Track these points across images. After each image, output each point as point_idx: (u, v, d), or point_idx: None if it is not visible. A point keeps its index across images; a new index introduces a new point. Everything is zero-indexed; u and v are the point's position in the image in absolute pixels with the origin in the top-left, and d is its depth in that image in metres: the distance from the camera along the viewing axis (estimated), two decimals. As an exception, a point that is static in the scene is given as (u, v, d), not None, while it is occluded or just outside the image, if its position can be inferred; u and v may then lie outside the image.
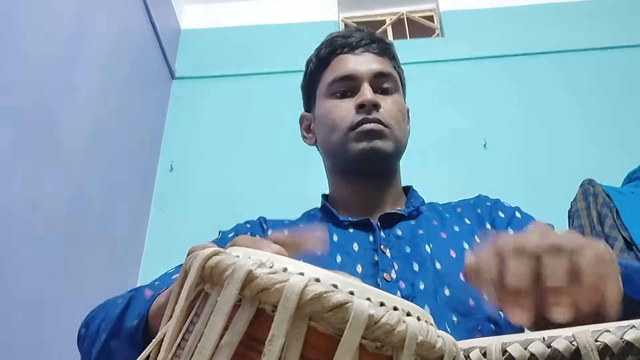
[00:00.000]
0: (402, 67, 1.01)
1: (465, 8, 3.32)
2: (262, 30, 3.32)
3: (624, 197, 1.86)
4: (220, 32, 3.36)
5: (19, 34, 1.74)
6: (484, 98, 2.95)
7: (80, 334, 0.74)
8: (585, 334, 0.32)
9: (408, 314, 0.29)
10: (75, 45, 2.09)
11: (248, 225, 0.93)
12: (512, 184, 2.46)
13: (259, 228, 0.92)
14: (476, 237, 0.86)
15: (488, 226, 0.89)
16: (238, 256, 0.31)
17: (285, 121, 2.69)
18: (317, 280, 0.28)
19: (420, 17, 3.59)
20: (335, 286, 0.28)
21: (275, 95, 2.94)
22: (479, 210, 0.92)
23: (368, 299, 0.28)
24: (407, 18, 3.58)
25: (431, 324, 0.30)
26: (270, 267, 0.29)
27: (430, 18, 3.58)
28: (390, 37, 3.44)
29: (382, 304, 0.28)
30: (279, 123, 2.81)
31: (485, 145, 2.77)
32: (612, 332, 0.33)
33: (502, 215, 0.90)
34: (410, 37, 3.49)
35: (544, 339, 0.33)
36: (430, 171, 2.51)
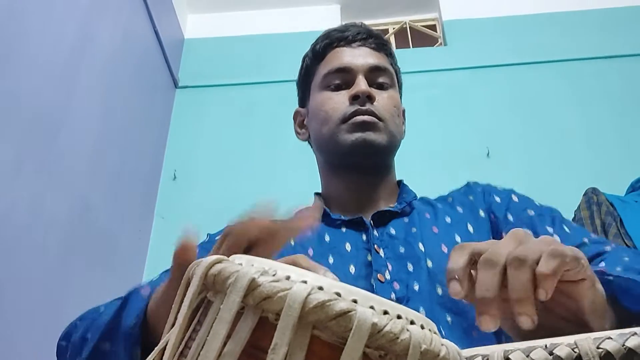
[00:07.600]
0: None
1: (467, 17, 3.33)
2: (265, 39, 3.33)
3: (627, 205, 1.85)
4: (223, 41, 3.38)
5: (22, 42, 1.75)
6: (486, 107, 2.95)
7: (61, 347, 0.71)
8: (587, 341, 0.33)
9: (412, 322, 0.29)
10: (78, 54, 2.10)
11: None
12: (515, 193, 2.45)
13: None
14: (469, 225, 0.85)
15: (482, 213, 0.86)
16: (241, 264, 0.31)
17: (289, 130, 2.69)
18: (320, 288, 0.28)
19: (422, 26, 3.60)
20: (338, 294, 0.28)
21: (278, 105, 2.94)
22: (471, 198, 0.90)
23: (371, 307, 0.28)
24: (409, 27, 3.60)
25: (435, 332, 0.30)
26: (273, 275, 0.29)
27: (433, 27, 3.59)
28: (393, 46, 3.45)
29: (385, 312, 0.28)
30: (282, 132, 2.81)
31: (488, 154, 2.77)
32: (614, 338, 0.33)
33: (498, 200, 0.88)
34: (412, 47, 3.50)
35: (546, 346, 0.33)
36: (433, 180, 2.48)
